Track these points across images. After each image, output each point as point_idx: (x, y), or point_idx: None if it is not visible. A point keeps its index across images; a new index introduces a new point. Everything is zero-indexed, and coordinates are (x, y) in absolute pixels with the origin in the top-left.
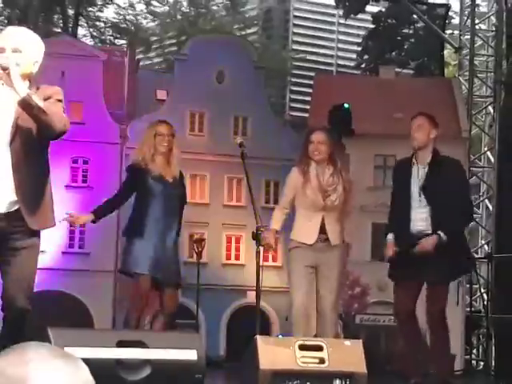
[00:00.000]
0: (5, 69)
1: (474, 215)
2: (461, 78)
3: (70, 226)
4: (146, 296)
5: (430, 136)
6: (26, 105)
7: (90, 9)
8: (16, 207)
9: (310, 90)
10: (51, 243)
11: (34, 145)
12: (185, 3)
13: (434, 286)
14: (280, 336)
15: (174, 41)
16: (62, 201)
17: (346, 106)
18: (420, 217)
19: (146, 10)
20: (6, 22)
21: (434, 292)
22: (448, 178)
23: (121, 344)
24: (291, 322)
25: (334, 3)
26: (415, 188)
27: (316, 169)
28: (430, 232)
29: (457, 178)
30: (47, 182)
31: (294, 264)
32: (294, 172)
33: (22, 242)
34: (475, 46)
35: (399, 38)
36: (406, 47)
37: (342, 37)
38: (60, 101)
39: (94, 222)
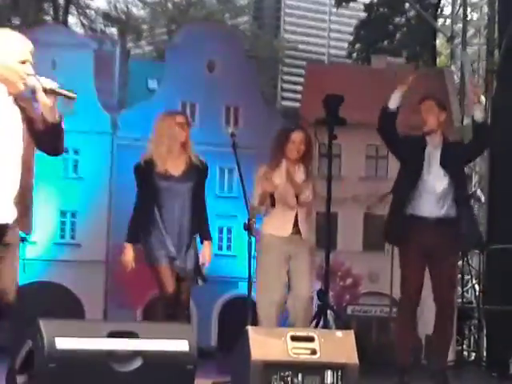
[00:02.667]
0: (58, 94)
1: None
2: (453, 68)
3: (62, 216)
4: (170, 286)
5: (440, 119)
6: (55, 128)
7: None
8: (15, 217)
9: (302, 80)
10: (43, 234)
11: (33, 155)
12: None
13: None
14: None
15: (164, 29)
16: (53, 191)
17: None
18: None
19: None
20: None
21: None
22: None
23: (112, 335)
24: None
25: None
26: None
27: (288, 166)
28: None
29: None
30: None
31: (269, 257)
32: (262, 170)
33: (12, 239)
34: (467, 35)
35: (391, 27)
36: (398, 36)
37: (333, 26)
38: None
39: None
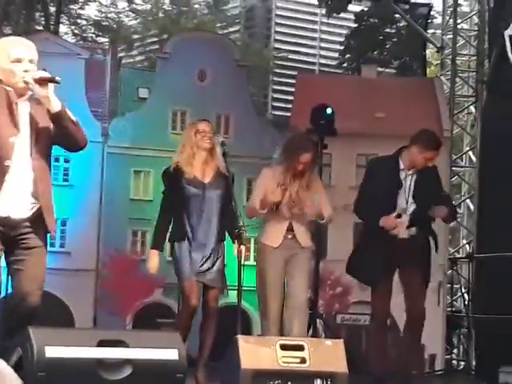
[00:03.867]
0: (44, 80)
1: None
2: (443, 78)
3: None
4: (194, 299)
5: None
6: (58, 118)
7: (72, 6)
8: (33, 211)
9: (293, 89)
10: None
11: (48, 153)
12: (167, 1)
13: (414, 286)
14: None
15: (155, 39)
16: None
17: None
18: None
19: (127, 8)
20: None
21: (414, 291)
22: (431, 186)
23: (102, 343)
24: (265, 326)
25: (316, 2)
26: (402, 194)
27: (288, 182)
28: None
29: (437, 185)
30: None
31: (267, 266)
32: (268, 173)
33: (36, 242)
34: (457, 45)
35: (381, 37)
36: (388, 46)
37: (324, 36)
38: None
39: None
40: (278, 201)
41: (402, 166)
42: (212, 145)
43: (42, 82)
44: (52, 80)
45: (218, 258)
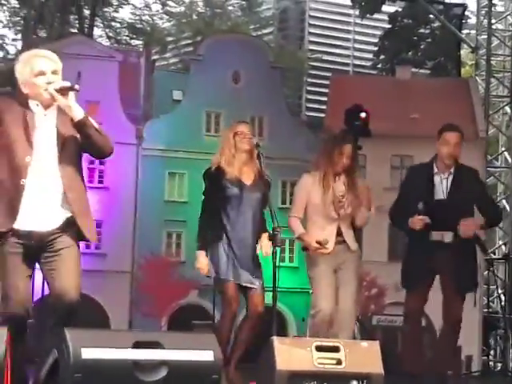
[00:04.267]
0: (65, 89)
1: None
2: (477, 78)
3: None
4: (235, 301)
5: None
6: (80, 126)
7: (106, 9)
8: (64, 220)
9: (327, 90)
10: None
11: (78, 160)
12: (201, 3)
13: (451, 292)
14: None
15: (189, 41)
16: None
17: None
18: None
19: (161, 11)
20: (21, 22)
21: (451, 297)
22: (471, 188)
23: (137, 345)
24: (313, 328)
25: (350, 3)
26: (438, 199)
27: (331, 179)
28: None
29: (478, 189)
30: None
31: (316, 269)
32: (307, 179)
33: (64, 244)
34: (492, 45)
35: (415, 37)
36: (422, 47)
37: (358, 37)
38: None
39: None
40: (316, 200)
41: (435, 170)
42: (251, 146)
43: (63, 91)
44: (72, 88)
45: (253, 259)
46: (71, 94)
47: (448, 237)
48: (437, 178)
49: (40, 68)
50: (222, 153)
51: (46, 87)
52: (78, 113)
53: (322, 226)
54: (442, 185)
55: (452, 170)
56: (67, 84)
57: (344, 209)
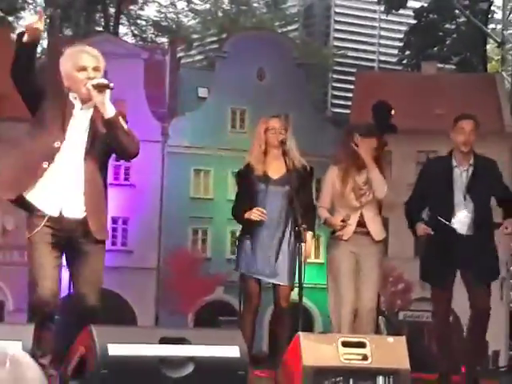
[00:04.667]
0: (101, 86)
1: None
2: (504, 73)
3: (113, 223)
4: (255, 297)
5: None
6: (109, 124)
7: (132, 7)
8: (85, 214)
9: (352, 87)
10: None
11: (105, 159)
12: (226, 0)
13: (475, 284)
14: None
15: (214, 38)
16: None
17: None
18: (463, 220)
19: (187, 8)
20: (48, 21)
21: (476, 289)
22: (490, 179)
23: (163, 341)
24: (337, 321)
25: None
26: (459, 192)
27: (353, 171)
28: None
29: (497, 179)
30: (106, 194)
31: (338, 262)
32: (334, 171)
33: (90, 247)
34: None
35: (441, 33)
36: (448, 42)
37: (383, 32)
38: (125, 120)
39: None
40: (342, 191)
41: (454, 163)
42: (283, 140)
43: (100, 88)
44: (108, 86)
45: (283, 255)
46: (107, 92)
47: (462, 228)
48: (456, 171)
49: (82, 63)
50: (252, 149)
51: (86, 82)
52: (110, 111)
53: (345, 211)
54: (462, 177)
55: (471, 162)
56: (104, 81)
57: (365, 196)
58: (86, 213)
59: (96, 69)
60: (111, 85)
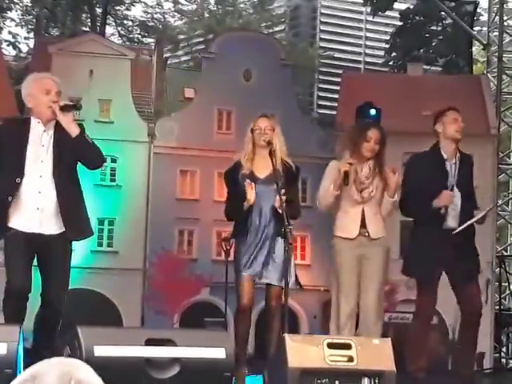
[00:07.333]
0: (69, 107)
1: (503, 213)
2: (489, 75)
3: (99, 224)
4: (246, 296)
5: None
6: (76, 142)
7: (118, 7)
8: (58, 226)
9: (338, 88)
10: (80, 242)
11: (74, 171)
12: (212, 1)
13: (465, 285)
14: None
15: (201, 39)
16: (91, 199)
17: (372, 112)
18: (452, 213)
19: (173, 9)
20: (34, 20)
21: (468, 291)
22: (470, 174)
23: (149, 342)
24: (336, 325)
25: (361, 1)
26: (451, 185)
27: (356, 164)
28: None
29: (472, 174)
30: (82, 194)
31: (340, 264)
32: (333, 165)
33: (62, 249)
34: (504, 42)
35: (427, 35)
36: (434, 44)
37: (369, 34)
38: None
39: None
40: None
41: (445, 156)
42: (269, 140)
43: (68, 108)
44: (75, 107)
45: (273, 255)
46: (71, 113)
47: (453, 222)
48: (447, 164)
49: (48, 87)
50: (244, 148)
51: (51, 104)
52: (76, 129)
53: (345, 210)
54: (452, 170)
55: (458, 155)
56: (71, 103)
57: (368, 192)
58: (63, 223)
59: (58, 93)
60: (79, 104)
